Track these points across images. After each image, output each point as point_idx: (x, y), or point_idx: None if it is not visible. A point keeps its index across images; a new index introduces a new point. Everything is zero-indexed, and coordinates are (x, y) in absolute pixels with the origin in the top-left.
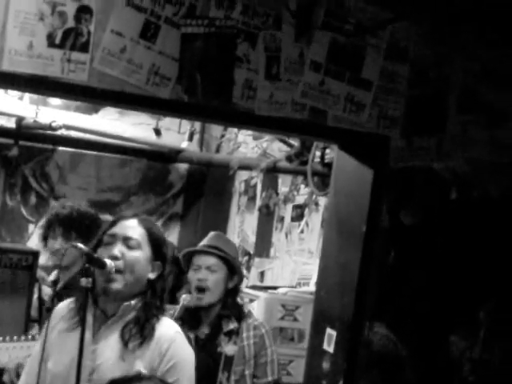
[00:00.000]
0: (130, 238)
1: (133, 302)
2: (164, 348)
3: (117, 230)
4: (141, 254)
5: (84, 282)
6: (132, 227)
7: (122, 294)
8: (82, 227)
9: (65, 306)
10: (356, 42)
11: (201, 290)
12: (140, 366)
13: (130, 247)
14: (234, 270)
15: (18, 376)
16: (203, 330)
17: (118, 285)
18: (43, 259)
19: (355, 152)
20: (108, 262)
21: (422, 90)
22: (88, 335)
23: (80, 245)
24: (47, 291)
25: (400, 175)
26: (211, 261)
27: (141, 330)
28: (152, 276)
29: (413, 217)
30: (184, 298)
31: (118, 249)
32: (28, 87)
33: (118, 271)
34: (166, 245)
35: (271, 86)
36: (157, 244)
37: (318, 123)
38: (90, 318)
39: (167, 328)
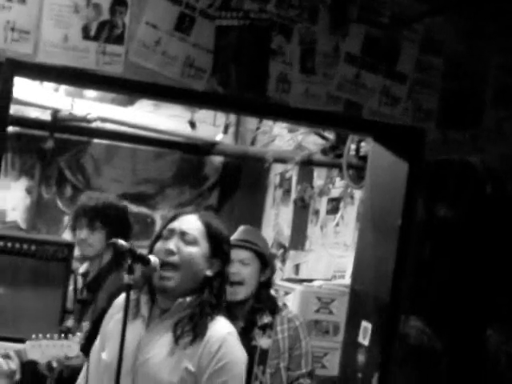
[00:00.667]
0: (187, 233)
1: (188, 298)
2: (214, 348)
3: (175, 224)
4: (197, 250)
5: (127, 278)
6: (190, 222)
7: (177, 290)
8: (107, 217)
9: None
10: (391, 35)
11: (234, 283)
12: (188, 364)
13: (186, 242)
14: (266, 263)
15: (50, 370)
16: (238, 324)
17: (172, 282)
18: (78, 251)
19: (390, 145)
20: (152, 258)
21: (457, 84)
22: (141, 328)
23: (122, 241)
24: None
25: (435, 168)
26: (243, 254)
27: (193, 328)
28: (209, 273)
29: (448, 210)
30: None
31: (174, 243)
32: (63, 79)
33: (173, 266)
34: (226, 242)
35: (306, 79)
36: (216, 240)
37: (353, 116)
38: (145, 311)
39: (219, 328)
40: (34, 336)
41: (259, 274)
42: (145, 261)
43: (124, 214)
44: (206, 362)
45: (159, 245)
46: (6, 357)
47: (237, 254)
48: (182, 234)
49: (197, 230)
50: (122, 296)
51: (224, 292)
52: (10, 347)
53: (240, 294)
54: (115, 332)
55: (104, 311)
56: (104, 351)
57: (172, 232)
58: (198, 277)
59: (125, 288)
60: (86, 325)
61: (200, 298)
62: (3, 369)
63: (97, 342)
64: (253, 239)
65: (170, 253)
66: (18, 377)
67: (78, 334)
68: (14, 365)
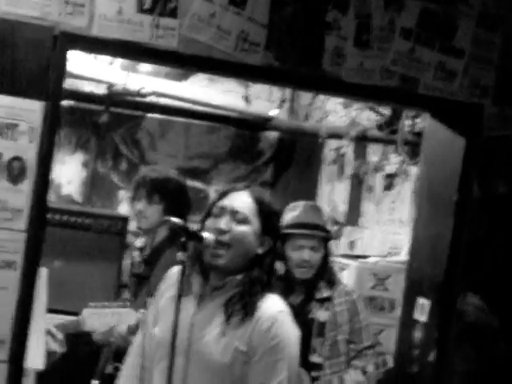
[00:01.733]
0: (238, 212)
1: (239, 276)
2: (264, 327)
3: (226, 202)
4: (249, 229)
5: (180, 256)
6: (241, 200)
7: (228, 268)
8: (166, 191)
9: (177, 271)
10: (447, 10)
11: (304, 266)
12: (239, 344)
13: (237, 221)
14: (327, 241)
15: (109, 344)
16: (296, 297)
17: (222, 260)
18: (134, 225)
19: (447, 120)
20: (205, 235)
21: None
22: (192, 306)
23: (175, 219)
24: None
25: (493, 144)
26: (314, 242)
27: (243, 306)
28: (260, 251)
29: (505, 186)
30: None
31: (224, 222)
32: (117, 52)
33: (224, 245)
34: (277, 218)
35: (361, 53)
36: (267, 218)
37: (408, 91)
38: (196, 289)
39: (270, 306)
40: (91, 304)
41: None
42: (198, 238)
43: (183, 190)
44: (257, 342)
45: (210, 222)
46: (48, 334)
47: (308, 242)
48: (233, 213)
49: (248, 208)
50: (173, 271)
51: (275, 269)
52: (64, 320)
53: (309, 273)
54: (168, 309)
55: None
56: (156, 326)
57: (223, 210)
58: (249, 255)
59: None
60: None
61: (250, 276)
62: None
63: (149, 317)
64: (320, 222)
65: (221, 232)
66: (62, 350)
67: (142, 310)
68: (53, 344)
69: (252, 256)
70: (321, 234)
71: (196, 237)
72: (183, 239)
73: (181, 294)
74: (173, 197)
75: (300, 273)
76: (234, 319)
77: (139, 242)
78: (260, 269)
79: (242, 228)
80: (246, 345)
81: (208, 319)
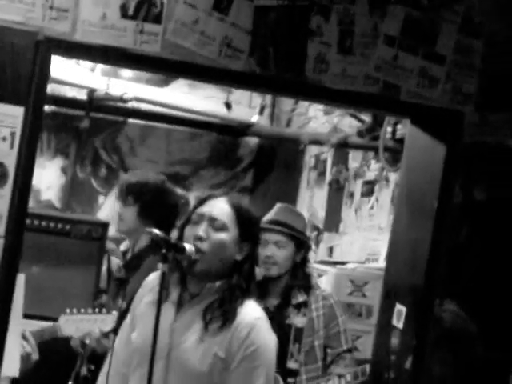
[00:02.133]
0: (216, 219)
1: (217, 283)
2: (243, 334)
3: (204, 209)
4: (227, 236)
5: (162, 267)
6: (220, 207)
7: (206, 274)
8: (139, 193)
9: (155, 278)
10: (430, 16)
11: (268, 263)
12: (218, 351)
13: (215, 228)
14: (301, 244)
15: (84, 345)
16: (272, 301)
17: (200, 265)
18: (113, 231)
19: (428, 127)
20: (187, 246)
21: (496, 66)
22: (171, 313)
23: (156, 231)
24: (116, 262)
25: (473, 151)
26: (279, 237)
27: (223, 313)
28: (239, 257)
29: (486, 193)
30: None
31: (203, 229)
32: (101, 58)
33: (202, 252)
34: (256, 224)
35: (344, 59)
36: (246, 224)
37: (390, 97)
38: (175, 296)
39: (248, 313)
40: (67, 310)
41: (294, 255)
42: (179, 249)
43: (160, 193)
44: (235, 348)
45: (188, 230)
46: (23, 339)
47: (273, 237)
48: (211, 220)
49: (226, 214)
50: (151, 277)
51: (254, 275)
52: (43, 326)
53: (273, 270)
54: (146, 315)
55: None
56: (133, 333)
57: (201, 217)
58: (228, 261)
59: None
60: (123, 304)
61: (229, 283)
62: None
63: (127, 322)
64: (289, 220)
65: (200, 239)
66: (35, 357)
67: (114, 312)
68: (29, 347)
69: (231, 262)
70: (283, 229)
71: (177, 248)
72: (164, 251)
73: (160, 302)
74: (147, 199)
75: (265, 270)
76: (213, 326)
77: (123, 245)
78: (239, 275)
79: (220, 235)
80: (225, 351)
81: (187, 326)
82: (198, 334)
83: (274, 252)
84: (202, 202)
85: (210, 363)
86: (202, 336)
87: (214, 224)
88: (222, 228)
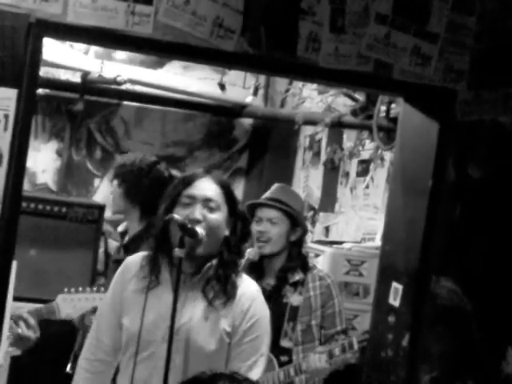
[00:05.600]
0: (211, 200)
1: (214, 261)
2: (246, 306)
3: (195, 191)
4: (220, 215)
5: (178, 252)
6: (210, 188)
7: (204, 255)
8: (124, 175)
9: (137, 261)
10: None
11: (261, 241)
12: (224, 325)
13: (211, 209)
14: (296, 223)
15: (84, 326)
16: (268, 281)
17: (200, 249)
18: (109, 213)
19: (421, 105)
20: (199, 230)
21: (489, 43)
22: (168, 295)
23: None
24: (113, 245)
25: (467, 128)
26: (272, 213)
27: (224, 288)
28: (227, 232)
29: (480, 171)
30: (249, 252)
31: (198, 211)
32: (92, 40)
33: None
34: (237, 199)
35: (336, 38)
36: (232, 201)
37: (383, 76)
38: (167, 277)
39: (248, 286)
40: (65, 289)
41: (289, 233)
42: (193, 233)
43: (142, 174)
44: (239, 321)
45: (179, 212)
46: (19, 318)
47: (266, 213)
48: (206, 201)
49: (217, 194)
50: (132, 260)
51: (241, 249)
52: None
53: (266, 248)
54: (136, 302)
55: None
56: (124, 319)
57: (193, 199)
58: (221, 239)
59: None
60: None
61: (221, 258)
62: (17, 334)
63: (107, 309)
64: (285, 198)
65: (196, 221)
66: (36, 335)
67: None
68: (27, 331)
69: (221, 240)
70: (277, 204)
71: (191, 232)
72: (180, 235)
73: (178, 288)
74: (130, 180)
75: (259, 248)
76: (217, 302)
77: (121, 226)
78: (229, 251)
79: (216, 215)
80: (230, 325)
81: (190, 306)
82: (203, 313)
83: (268, 228)
84: (187, 183)
85: (219, 339)
86: (206, 313)
87: (209, 205)
88: (217, 208)
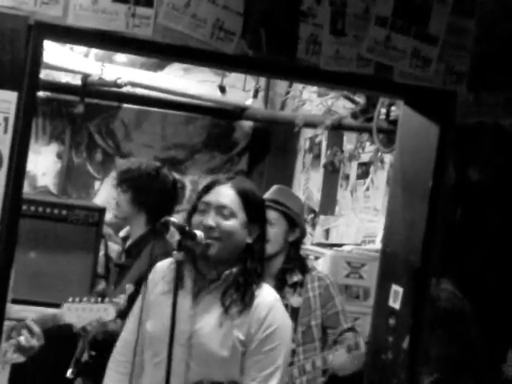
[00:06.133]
0: (224, 207)
1: (235, 268)
2: (262, 315)
3: (211, 197)
4: (236, 222)
5: (176, 255)
6: (226, 194)
7: (220, 258)
8: (132, 180)
9: (165, 266)
10: None
11: None
12: (238, 333)
13: (224, 216)
14: (294, 224)
15: (84, 331)
16: (267, 283)
17: (213, 250)
18: (109, 216)
19: (421, 108)
20: (198, 233)
21: (489, 45)
22: (187, 300)
23: (172, 218)
24: (114, 248)
25: (467, 131)
26: (270, 215)
27: (242, 297)
28: (249, 240)
29: (480, 173)
30: None
31: (211, 218)
32: (93, 42)
33: (215, 239)
34: (262, 205)
35: (336, 41)
36: (252, 208)
37: (383, 78)
38: (189, 283)
39: (266, 295)
40: (70, 299)
41: (287, 234)
42: (191, 236)
43: (150, 179)
44: (254, 329)
45: (197, 219)
46: (24, 327)
47: None
48: (219, 208)
49: (232, 201)
50: (162, 264)
51: (264, 256)
52: (42, 311)
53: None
54: (160, 304)
55: (145, 276)
56: (147, 322)
57: (208, 205)
58: (240, 246)
59: (165, 257)
60: (129, 287)
61: (243, 266)
62: (22, 344)
63: (135, 311)
64: (283, 199)
65: (210, 228)
66: (40, 343)
67: (122, 296)
68: (31, 340)
69: (242, 246)
70: (275, 205)
71: (188, 235)
72: (179, 238)
73: (177, 289)
74: (138, 186)
75: None
76: (233, 310)
77: (123, 232)
78: (252, 259)
79: (230, 222)
80: (245, 334)
81: (206, 312)
82: (218, 319)
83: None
84: (207, 189)
85: (231, 346)
86: (221, 321)
87: (223, 212)
88: (231, 215)
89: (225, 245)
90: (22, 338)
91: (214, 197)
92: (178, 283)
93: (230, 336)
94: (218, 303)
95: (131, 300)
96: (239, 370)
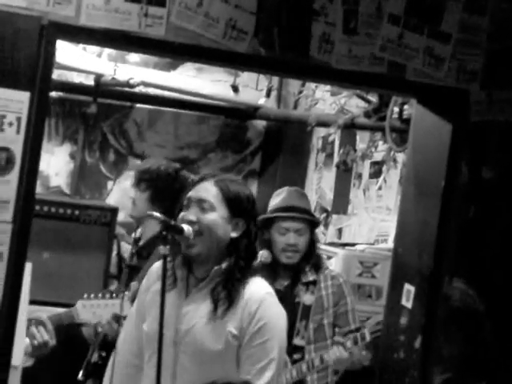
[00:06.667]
0: (203, 201)
1: (223, 265)
2: (253, 309)
3: (192, 193)
4: (216, 216)
5: (162, 249)
6: (206, 189)
7: (205, 256)
8: (151, 180)
9: (160, 265)
10: None
11: (290, 250)
12: (231, 328)
13: (204, 210)
14: (314, 227)
15: (97, 333)
16: (282, 282)
17: (197, 249)
18: (122, 216)
19: (434, 106)
20: (186, 227)
21: (502, 43)
22: (179, 298)
23: (155, 213)
24: (126, 248)
25: (480, 129)
26: (300, 225)
27: (228, 294)
28: (235, 234)
29: (493, 172)
30: (262, 255)
31: (192, 213)
32: (105, 42)
33: (197, 234)
34: (247, 200)
35: (349, 39)
36: (233, 201)
37: (396, 77)
38: (181, 281)
39: (257, 289)
40: (85, 295)
41: (311, 241)
42: (178, 230)
43: (169, 179)
44: (246, 323)
45: (181, 214)
46: (40, 323)
47: (294, 225)
48: (199, 202)
49: (213, 196)
50: (156, 266)
51: (254, 252)
52: (54, 312)
53: (295, 258)
54: (154, 303)
55: None
56: (145, 323)
57: (190, 200)
58: (224, 240)
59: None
60: (134, 284)
61: (228, 263)
62: (36, 340)
63: (132, 312)
64: (304, 205)
65: (190, 222)
66: (52, 343)
67: (126, 292)
68: (46, 335)
69: (226, 240)
70: (306, 216)
71: (176, 229)
72: (164, 233)
73: (164, 286)
74: (157, 186)
75: (286, 257)
76: (221, 307)
77: (137, 232)
78: (237, 255)
79: (210, 216)
80: (237, 328)
81: (196, 309)
82: (209, 316)
83: (297, 239)
84: (193, 186)
85: (225, 341)
86: (212, 317)
87: (203, 205)
88: (211, 209)
89: (207, 240)
90: (38, 334)
91: (194, 192)
92: (164, 279)
93: (223, 331)
94: (209, 300)
95: (134, 299)
96: (235, 365)
